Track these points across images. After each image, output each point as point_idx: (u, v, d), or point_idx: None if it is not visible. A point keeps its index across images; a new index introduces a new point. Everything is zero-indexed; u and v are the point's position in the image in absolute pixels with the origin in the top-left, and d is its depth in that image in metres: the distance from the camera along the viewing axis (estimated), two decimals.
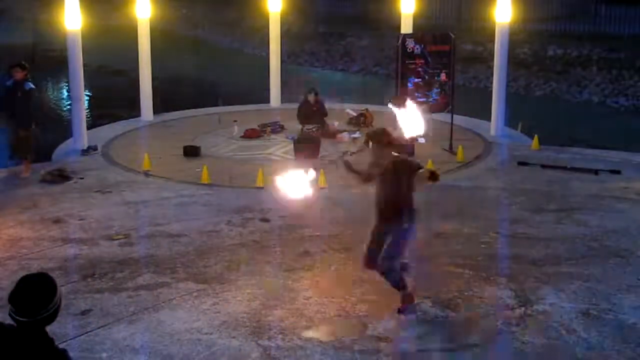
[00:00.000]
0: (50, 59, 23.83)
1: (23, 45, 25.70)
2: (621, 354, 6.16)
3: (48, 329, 3.40)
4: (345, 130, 14.12)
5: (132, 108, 15.99)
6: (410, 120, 6.84)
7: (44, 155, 12.77)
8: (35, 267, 7.71)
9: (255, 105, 17.11)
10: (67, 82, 14.77)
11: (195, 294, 7.28)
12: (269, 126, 14.50)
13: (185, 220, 9.52)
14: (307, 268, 7.92)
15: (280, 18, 17.07)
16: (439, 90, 13.04)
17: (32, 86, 11.27)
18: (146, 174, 11.76)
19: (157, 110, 15.66)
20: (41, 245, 8.61)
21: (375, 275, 7.37)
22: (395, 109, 6.92)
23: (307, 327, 6.58)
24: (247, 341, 6.36)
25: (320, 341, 6.35)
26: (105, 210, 9.90)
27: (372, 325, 6.62)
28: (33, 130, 11.37)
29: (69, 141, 13.59)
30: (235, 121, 14.49)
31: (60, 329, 6.14)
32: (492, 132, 14.24)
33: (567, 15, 24.12)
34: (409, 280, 6.81)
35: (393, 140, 6.67)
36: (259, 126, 14.50)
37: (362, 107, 15.34)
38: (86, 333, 6.49)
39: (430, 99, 12.99)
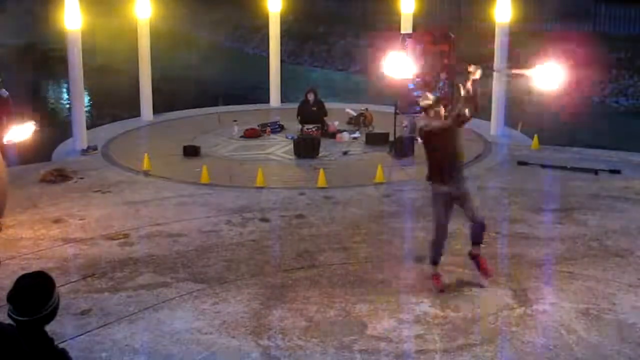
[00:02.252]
0: (50, 59, 23.80)
1: (23, 45, 25.68)
2: (621, 354, 6.15)
3: (48, 328, 3.40)
4: (345, 130, 14.13)
5: (132, 108, 15.98)
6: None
7: (44, 155, 12.76)
8: (35, 267, 7.67)
9: (255, 105, 17.11)
10: (67, 81, 14.74)
11: (195, 294, 7.27)
12: (268, 126, 14.49)
13: (185, 220, 9.52)
14: (307, 268, 7.93)
15: (280, 18, 17.06)
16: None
17: None
18: (146, 174, 11.76)
19: (157, 110, 15.66)
20: (41, 245, 8.61)
21: (375, 275, 7.38)
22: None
23: (307, 327, 6.58)
24: (247, 341, 6.35)
25: (321, 341, 6.35)
26: (105, 210, 9.90)
27: (372, 325, 6.62)
28: None
29: (69, 141, 13.59)
30: (235, 121, 14.49)
31: (60, 329, 6.14)
32: (492, 131, 14.23)
33: (567, 15, 24.08)
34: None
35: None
36: (259, 126, 14.49)
37: (362, 106, 15.33)
38: (86, 333, 6.49)
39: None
